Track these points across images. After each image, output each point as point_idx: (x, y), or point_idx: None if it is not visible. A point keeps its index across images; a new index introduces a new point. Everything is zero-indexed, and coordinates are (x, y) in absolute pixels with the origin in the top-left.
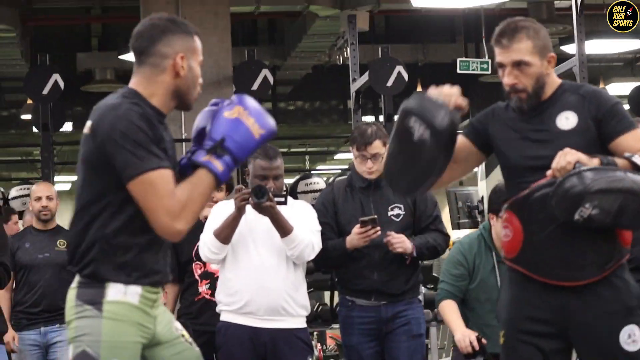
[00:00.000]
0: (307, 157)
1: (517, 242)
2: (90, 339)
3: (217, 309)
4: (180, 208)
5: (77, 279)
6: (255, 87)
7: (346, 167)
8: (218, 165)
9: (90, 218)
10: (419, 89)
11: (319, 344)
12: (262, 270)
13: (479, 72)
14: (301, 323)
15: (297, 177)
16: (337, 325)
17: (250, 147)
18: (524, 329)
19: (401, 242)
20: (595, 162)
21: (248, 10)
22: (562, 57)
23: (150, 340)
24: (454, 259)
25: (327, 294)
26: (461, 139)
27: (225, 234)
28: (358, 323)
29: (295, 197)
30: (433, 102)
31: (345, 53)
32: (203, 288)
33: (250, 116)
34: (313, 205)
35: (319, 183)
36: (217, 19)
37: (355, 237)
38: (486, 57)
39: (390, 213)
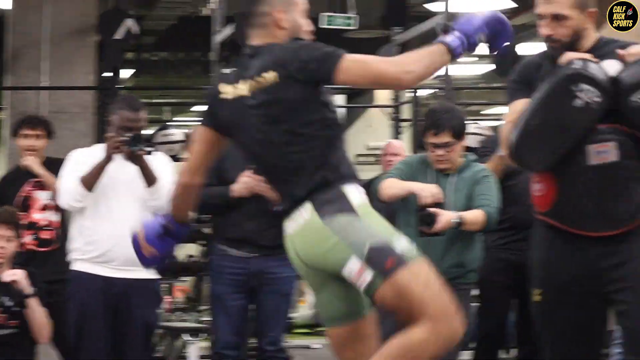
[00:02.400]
0: (167, 108)
1: (551, 195)
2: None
3: (70, 257)
4: (404, 60)
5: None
6: (118, 36)
7: None
8: (449, 38)
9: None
10: None
11: (167, 297)
12: (124, 220)
13: (344, 27)
14: (153, 274)
15: (156, 128)
16: (186, 278)
17: (476, 24)
18: (564, 289)
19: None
20: None
21: None
22: (429, 15)
23: None
24: (398, 163)
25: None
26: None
27: (91, 182)
28: (227, 273)
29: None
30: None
31: (210, 4)
32: (28, 239)
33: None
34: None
35: (176, 135)
36: None
37: (247, 184)
38: (352, 12)
39: None
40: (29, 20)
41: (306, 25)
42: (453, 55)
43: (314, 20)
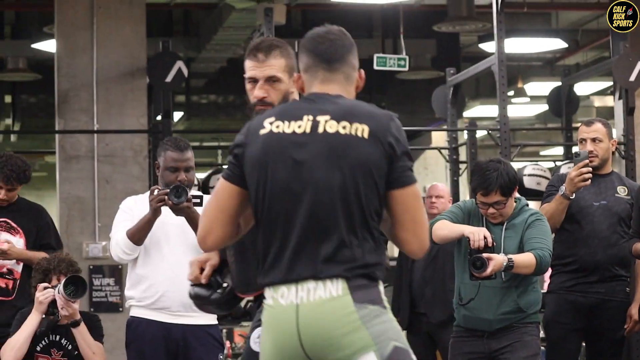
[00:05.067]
0: (219, 151)
1: None
2: (394, 334)
3: (127, 304)
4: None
5: (341, 285)
6: (169, 79)
7: None
8: None
9: (370, 223)
10: None
11: (227, 342)
12: (177, 267)
13: (396, 68)
14: (212, 319)
15: (209, 171)
16: (246, 323)
17: None
18: None
19: None
20: None
21: (163, 0)
22: (481, 56)
23: None
24: (452, 206)
25: None
26: None
27: (139, 236)
28: None
29: (207, 192)
30: None
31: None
32: None
33: None
34: None
35: None
36: (132, 8)
37: None
38: (403, 53)
39: None
40: (78, 63)
41: None
42: None
43: (368, 61)
